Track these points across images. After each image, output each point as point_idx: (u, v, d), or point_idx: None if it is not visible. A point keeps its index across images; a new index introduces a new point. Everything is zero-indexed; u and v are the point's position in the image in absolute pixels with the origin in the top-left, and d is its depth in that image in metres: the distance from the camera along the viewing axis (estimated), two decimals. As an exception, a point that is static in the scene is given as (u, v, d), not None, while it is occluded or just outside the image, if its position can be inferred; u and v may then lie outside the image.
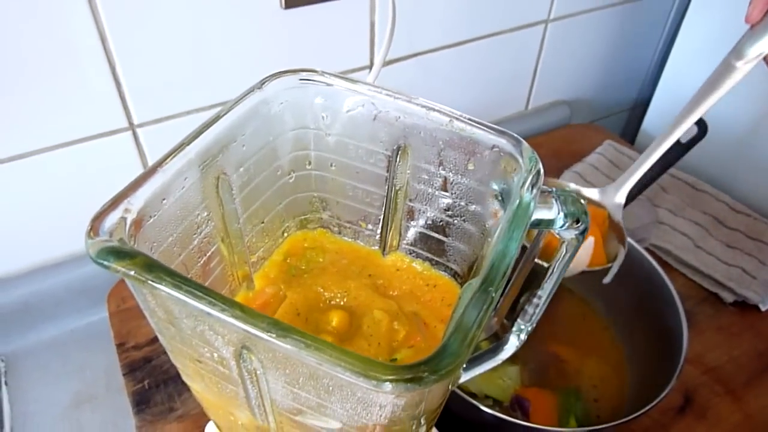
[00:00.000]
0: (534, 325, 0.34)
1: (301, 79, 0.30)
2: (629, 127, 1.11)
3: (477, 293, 0.19)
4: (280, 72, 0.30)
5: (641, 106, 1.07)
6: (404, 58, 0.74)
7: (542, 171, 0.24)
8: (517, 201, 0.24)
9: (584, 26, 0.88)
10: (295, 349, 0.17)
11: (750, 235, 0.75)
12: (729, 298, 0.70)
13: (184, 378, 0.27)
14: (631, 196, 0.64)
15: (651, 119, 0.95)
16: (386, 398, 0.19)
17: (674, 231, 0.75)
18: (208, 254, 0.27)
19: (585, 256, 0.54)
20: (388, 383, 0.17)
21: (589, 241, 0.55)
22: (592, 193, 0.58)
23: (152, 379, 0.59)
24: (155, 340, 0.62)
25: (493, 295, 0.20)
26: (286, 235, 0.34)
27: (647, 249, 0.74)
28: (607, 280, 0.57)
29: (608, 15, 0.89)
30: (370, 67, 0.72)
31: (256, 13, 0.60)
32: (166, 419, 0.55)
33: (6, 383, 0.62)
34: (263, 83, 0.29)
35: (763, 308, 0.69)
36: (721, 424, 0.59)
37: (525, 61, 0.87)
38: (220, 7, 0.57)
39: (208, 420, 0.55)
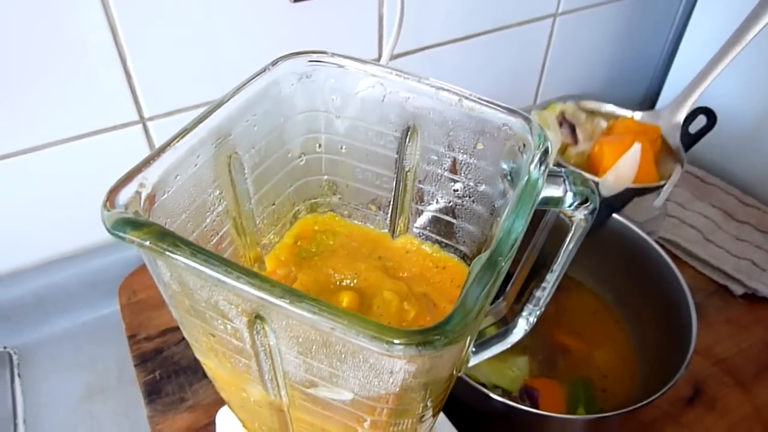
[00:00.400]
0: (543, 309, 0.34)
1: (310, 61, 0.30)
2: (637, 122, 1.11)
3: (485, 265, 0.20)
4: (291, 53, 0.30)
5: (650, 100, 1.06)
6: (412, 52, 0.74)
7: (551, 149, 0.25)
8: (526, 177, 0.24)
9: (593, 20, 0.88)
10: (308, 315, 0.18)
11: (759, 228, 0.75)
12: (738, 290, 0.69)
13: (197, 354, 0.28)
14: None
15: (660, 113, 0.95)
16: (397, 364, 0.19)
17: (683, 224, 0.75)
18: (220, 234, 0.27)
19: (628, 169, 0.50)
20: (399, 346, 0.17)
21: (634, 149, 0.50)
22: (645, 116, 0.57)
23: (163, 370, 0.59)
24: (166, 331, 0.63)
25: (502, 265, 0.20)
26: (296, 218, 0.34)
27: (656, 242, 0.74)
28: (658, 202, 0.53)
29: (617, 9, 0.89)
30: (379, 60, 0.72)
31: (265, 7, 0.60)
32: (177, 409, 0.56)
33: (19, 375, 0.62)
34: (274, 63, 0.30)
35: (773, 300, 0.69)
36: (730, 415, 0.58)
37: (533, 55, 0.86)
38: (229, 0, 0.58)
39: (218, 409, 0.55)
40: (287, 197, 0.32)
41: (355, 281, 0.30)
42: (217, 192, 0.27)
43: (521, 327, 0.35)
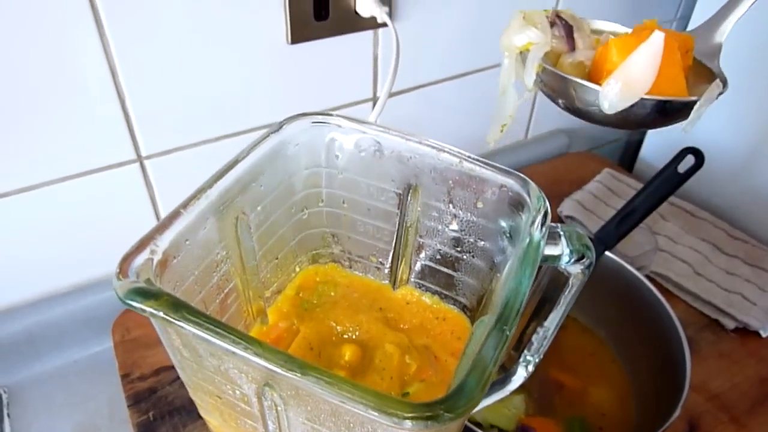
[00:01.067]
0: (541, 356, 0.35)
1: (313, 122, 0.31)
2: (627, 155, 1.13)
3: (492, 331, 0.20)
4: (296, 115, 0.31)
5: (638, 134, 1.08)
6: (407, 91, 0.75)
7: (549, 210, 0.25)
8: (527, 240, 0.24)
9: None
10: (318, 388, 0.18)
11: (749, 262, 0.76)
12: (730, 324, 0.70)
13: (202, 413, 0.28)
14: (631, 226, 0.64)
15: (648, 147, 0.96)
16: (406, 434, 0.20)
17: (674, 258, 0.76)
18: (225, 291, 0.28)
19: (644, 70, 0.36)
20: (408, 421, 0.17)
21: (654, 39, 0.35)
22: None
23: (157, 411, 0.58)
24: (159, 371, 0.62)
25: (508, 333, 0.20)
26: (298, 269, 0.34)
27: (648, 276, 0.75)
28: (686, 127, 0.41)
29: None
30: (374, 99, 0.73)
31: (262, 48, 0.61)
32: (172, 451, 0.55)
33: (8, 415, 0.61)
34: (281, 126, 0.30)
35: (764, 334, 0.69)
36: (725, 453, 0.59)
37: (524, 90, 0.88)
38: (228, 42, 0.59)
39: (214, 452, 0.55)
40: (290, 250, 0.33)
41: (356, 333, 0.30)
42: (224, 252, 0.27)
43: (520, 374, 0.35)
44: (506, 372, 0.36)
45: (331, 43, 0.65)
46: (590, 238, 0.28)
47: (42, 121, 0.54)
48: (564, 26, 0.44)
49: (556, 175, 0.92)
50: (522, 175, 0.28)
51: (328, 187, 0.32)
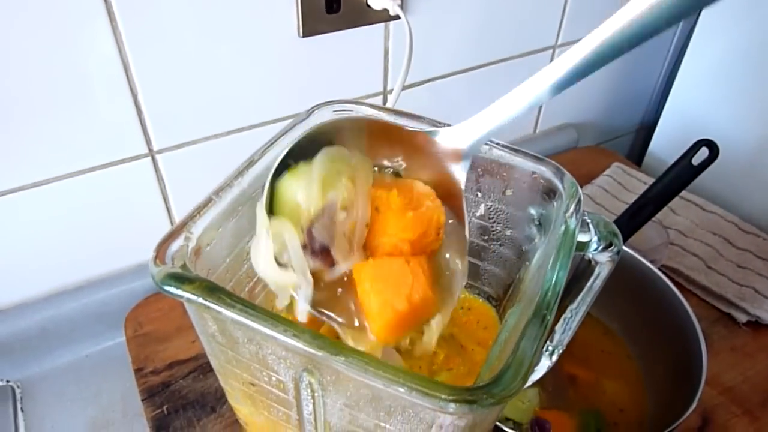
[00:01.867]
0: (564, 347, 0.35)
1: (339, 110, 0.31)
2: (635, 149, 1.13)
3: (532, 320, 0.20)
4: (323, 103, 0.31)
5: (647, 128, 1.08)
6: (417, 84, 0.75)
7: (582, 197, 0.25)
8: (563, 227, 0.24)
9: (590, 51, 0.90)
10: (361, 372, 0.18)
11: (760, 255, 0.76)
12: (742, 318, 0.70)
13: (231, 401, 0.27)
14: (643, 220, 0.64)
15: (657, 141, 0.96)
16: (447, 419, 0.20)
17: (685, 252, 0.76)
18: (254, 279, 0.28)
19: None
20: (451, 404, 0.17)
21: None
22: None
23: (171, 405, 0.58)
24: (173, 365, 0.62)
25: (549, 319, 0.20)
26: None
27: (661, 270, 0.75)
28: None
29: (613, 40, 0.91)
30: (384, 92, 0.73)
31: (274, 41, 0.61)
32: (186, 445, 0.55)
33: (22, 410, 0.62)
34: (309, 113, 0.30)
35: (776, 328, 0.69)
36: (740, 446, 0.59)
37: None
38: (239, 35, 0.59)
39: (229, 445, 0.55)
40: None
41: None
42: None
43: (544, 364, 0.35)
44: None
45: (342, 36, 0.65)
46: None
47: (55, 117, 0.54)
48: (318, 248, 0.28)
49: (565, 169, 0.92)
50: (554, 162, 0.27)
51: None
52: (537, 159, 0.28)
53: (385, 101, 0.74)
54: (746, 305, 0.70)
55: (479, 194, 0.30)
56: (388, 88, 0.73)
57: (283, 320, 0.19)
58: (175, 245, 0.22)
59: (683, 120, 0.90)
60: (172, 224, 0.68)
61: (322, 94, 0.68)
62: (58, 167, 0.57)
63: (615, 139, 1.08)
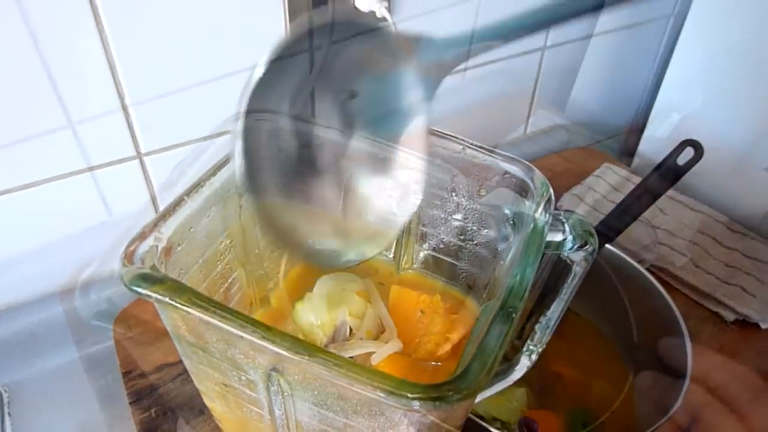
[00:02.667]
0: (544, 346, 0.35)
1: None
2: (625, 149, 1.13)
3: (497, 317, 0.20)
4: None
5: (637, 129, 1.08)
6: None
7: (553, 196, 0.25)
8: (531, 225, 0.25)
9: (579, 53, 0.90)
10: (326, 370, 0.18)
11: (747, 254, 0.76)
12: (730, 316, 0.70)
13: (206, 401, 0.28)
14: (630, 220, 0.64)
15: (646, 142, 0.96)
16: (414, 416, 0.20)
17: (674, 251, 0.76)
18: (229, 280, 0.28)
19: None
20: (416, 401, 0.17)
21: None
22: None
23: (159, 407, 0.58)
24: (161, 367, 0.62)
25: (514, 316, 0.20)
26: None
27: (648, 270, 0.75)
28: None
29: (602, 42, 0.91)
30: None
31: (262, 42, 0.61)
32: (174, 447, 0.55)
33: (9, 414, 0.61)
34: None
35: (763, 326, 0.70)
36: (727, 445, 0.59)
37: (523, 87, 0.88)
38: (227, 36, 0.59)
39: (217, 447, 0.54)
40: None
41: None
42: (228, 241, 0.27)
43: (524, 364, 0.35)
44: (509, 362, 0.36)
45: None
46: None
47: (43, 119, 0.54)
48: None
49: (555, 170, 0.92)
50: (526, 162, 0.28)
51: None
52: (510, 159, 0.28)
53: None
54: (734, 304, 0.70)
55: (454, 195, 0.30)
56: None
57: (250, 320, 0.19)
58: (145, 245, 0.22)
59: (672, 120, 0.91)
60: (160, 227, 0.68)
61: (310, 96, 0.68)
62: (45, 169, 0.57)
63: (606, 140, 1.08)
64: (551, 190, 0.26)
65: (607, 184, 0.86)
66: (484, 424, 0.45)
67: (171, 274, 0.22)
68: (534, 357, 0.34)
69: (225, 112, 0.63)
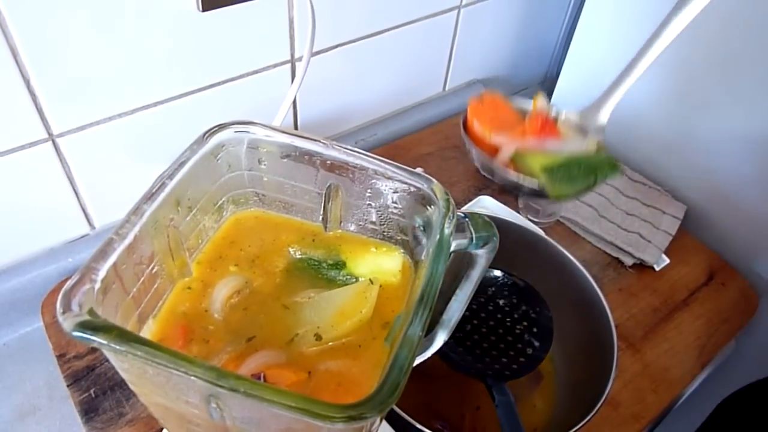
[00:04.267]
0: (454, 326, 0.39)
1: (236, 131, 0.32)
2: (540, 100, 1.18)
3: (407, 329, 0.23)
4: (218, 126, 0.32)
5: (550, 80, 1.13)
6: (327, 50, 0.75)
7: (454, 206, 0.28)
8: (438, 236, 0.27)
9: (494, 9, 0.92)
10: (257, 402, 0.20)
11: (646, 203, 0.83)
12: (629, 261, 0.78)
13: (156, 417, 0.30)
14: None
15: (560, 93, 1.01)
16: (338, 427, 0.23)
17: (580, 203, 0.83)
18: (164, 297, 0.29)
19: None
20: (339, 423, 0.20)
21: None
22: (573, 116, 0.53)
23: (98, 387, 0.60)
24: (96, 348, 0.63)
25: (422, 326, 0.24)
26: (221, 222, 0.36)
27: (558, 221, 0.82)
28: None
29: (515, -2, 0.94)
30: (291, 61, 0.73)
31: (173, 16, 0.60)
32: (117, 425, 0.57)
33: (-62, 404, 0.61)
34: (205, 138, 0.31)
35: (657, 268, 0.78)
36: (624, 375, 0.67)
37: (441, 45, 0.90)
38: (137, 11, 0.57)
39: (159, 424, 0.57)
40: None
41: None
42: (157, 268, 0.29)
43: (440, 338, 0.39)
44: (428, 336, 0.40)
45: (244, 8, 0.64)
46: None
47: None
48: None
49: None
50: (425, 175, 0.30)
51: (253, 188, 0.34)
52: (415, 175, 0.31)
53: (293, 69, 0.74)
54: (632, 249, 0.77)
55: (371, 205, 0.33)
56: (296, 57, 0.73)
57: (184, 358, 0.21)
58: (81, 291, 0.23)
59: (584, 72, 0.95)
60: (81, 207, 0.67)
61: (227, 67, 0.68)
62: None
63: (521, 91, 1.13)
64: (452, 201, 0.29)
65: (521, 140, 0.91)
66: (421, 426, 0.48)
67: (108, 309, 0.24)
68: (449, 331, 0.38)
69: (143, 86, 0.62)
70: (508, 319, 0.58)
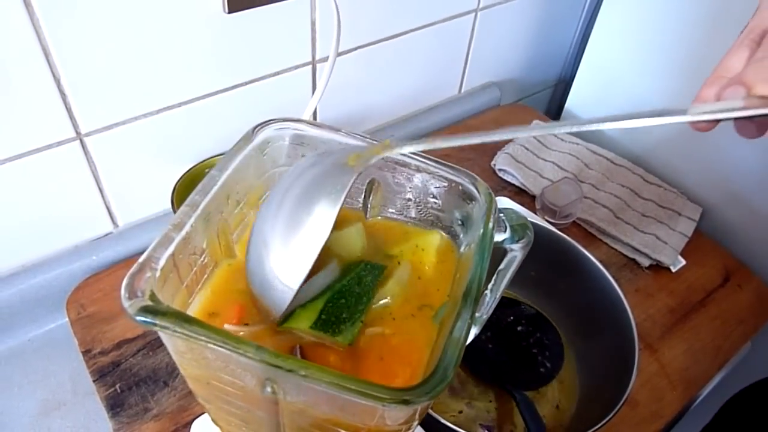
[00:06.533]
0: (489, 314, 0.39)
1: (281, 128, 0.33)
2: (553, 103, 1.19)
3: (457, 320, 0.24)
4: (266, 122, 0.33)
5: (564, 83, 1.14)
6: (347, 52, 0.76)
7: (497, 203, 0.29)
8: (481, 231, 0.28)
9: (510, 12, 0.93)
10: (317, 383, 0.21)
11: (662, 204, 0.84)
12: (645, 262, 0.78)
13: (200, 400, 0.30)
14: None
15: (574, 95, 1.02)
16: (391, 410, 0.23)
17: (597, 204, 0.83)
18: (206, 275, 0.30)
19: None
20: (390, 404, 0.21)
21: None
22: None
23: (123, 383, 0.61)
24: (121, 344, 0.64)
25: (470, 319, 0.24)
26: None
27: (574, 223, 0.82)
28: None
29: (530, 1, 0.94)
30: (313, 63, 0.74)
31: (200, 17, 0.61)
32: (143, 419, 0.58)
33: (-34, 398, 0.62)
34: (255, 132, 0.32)
35: (674, 270, 0.78)
36: (642, 375, 0.67)
37: (458, 48, 0.91)
38: (164, 12, 0.58)
39: (186, 416, 0.58)
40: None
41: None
42: (208, 259, 0.29)
43: (472, 331, 0.40)
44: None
45: (268, 10, 0.65)
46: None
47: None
48: None
49: (488, 128, 0.96)
50: (469, 171, 0.31)
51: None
52: (456, 170, 0.32)
53: (314, 71, 0.75)
54: (648, 251, 0.78)
55: (410, 200, 0.34)
56: (317, 58, 0.74)
57: (246, 343, 0.22)
58: (144, 279, 0.24)
59: (599, 75, 0.96)
60: (106, 205, 0.68)
61: (250, 69, 0.69)
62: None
63: (535, 94, 1.13)
64: (495, 198, 0.29)
65: (537, 142, 0.91)
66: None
67: (166, 297, 0.25)
68: (480, 325, 0.39)
69: (168, 86, 0.63)
70: (523, 342, 0.65)
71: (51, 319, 0.68)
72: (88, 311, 0.66)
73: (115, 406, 0.59)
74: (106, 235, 0.71)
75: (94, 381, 0.61)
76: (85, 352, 0.63)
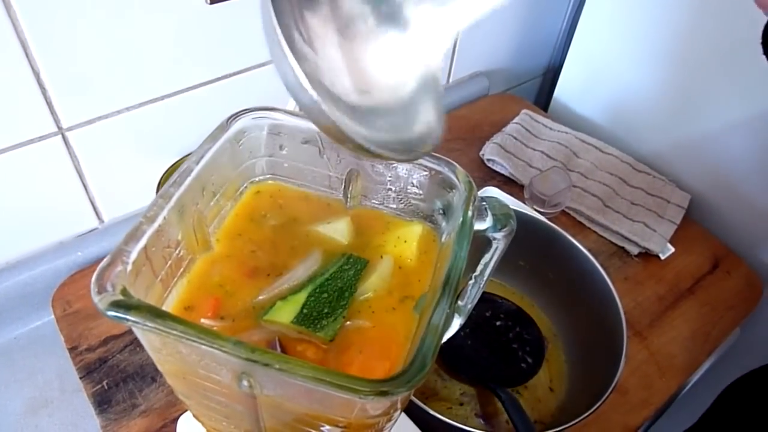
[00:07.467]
0: (473, 304, 0.39)
1: (257, 117, 0.32)
2: (542, 93, 1.18)
3: (434, 310, 0.24)
4: (241, 111, 0.32)
5: (552, 71, 1.14)
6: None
7: (476, 191, 0.29)
8: (461, 220, 0.28)
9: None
10: (292, 377, 0.21)
11: (650, 192, 0.84)
12: (634, 250, 0.78)
13: (180, 396, 0.30)
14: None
15: (563, 84, 1.01)
16: (368, 402, 0.23)
17: (586, 193, 0.83)
18: (182, 268, 0.30)
19: None
20: (370, 396, 0.21)
21: None
22: None
23: (110, 379, 0.60)
24: (107, 340, 0.63)
25: (449, 307, 0.24)
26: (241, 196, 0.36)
27: (563, 212, 0.82)
28: None
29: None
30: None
31: (181, 9, 0.60)
32: (131, 416, 0.58)
33: (-49, 397, 0.61)
34: (229, 122, 0.32)
35: (662, 257, 0.79)
36: (631, 362, 0.68)
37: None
38: (145, 4, 0.57)
39: (174, 412, 0.57)
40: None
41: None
42: (183, 252, 0.29)
43: (456, 321, 0.40)
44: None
45: (250, 2, 0.64)
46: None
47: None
48: None
49: (476, 118, 0.96)
50: (448, 159, 0.31)
51: (273, 174, 0.34)
52: (436, 159, 0.31)
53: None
54: (637, 239, 0.78)
55: (391, 190, 0.33)
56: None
57: (222, 337, 0.21)
58: (115, 273, 0.24)
59: (587, 63, 0.95)
60: (90, 201, 0.67)
61: (233, 60, 0.68)
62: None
63: (523, 83, 1.13)
64: (474, 185, 0.29)
65: (526, 131, 0.91)
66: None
67: (139, 291, 0.24)
68: (465, 314, 0.39)
69: (150, 80, 0.62)
70: (503, 338, 0.64)
71: (36, 317, 0.68)
72: (73, 308, 0.65)
73: (102, 402, 0.58)
74: (92, 230, 0.70)
75: (81, 378, 0.60)
76: (72, 349, 0.62)
